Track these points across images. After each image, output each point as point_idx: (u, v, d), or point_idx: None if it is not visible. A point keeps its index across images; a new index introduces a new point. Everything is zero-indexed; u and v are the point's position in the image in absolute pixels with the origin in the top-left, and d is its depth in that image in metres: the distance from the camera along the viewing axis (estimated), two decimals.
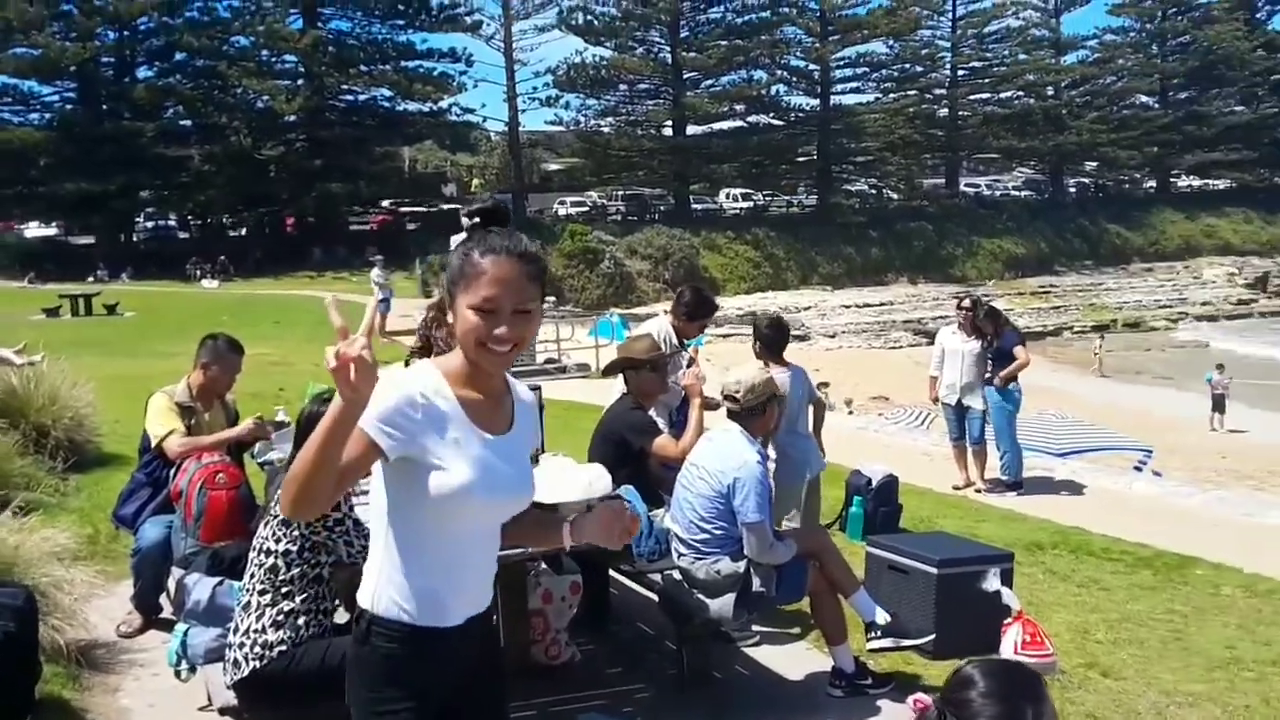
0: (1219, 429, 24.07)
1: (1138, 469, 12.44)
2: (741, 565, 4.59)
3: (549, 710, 4.47)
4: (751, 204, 52.62)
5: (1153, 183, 59.00)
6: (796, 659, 5.19)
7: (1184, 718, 4.61)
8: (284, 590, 3.53)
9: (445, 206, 47.69)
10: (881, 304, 42.93)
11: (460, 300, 2.32)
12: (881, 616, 4.87)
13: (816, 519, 6.54)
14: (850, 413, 20.38)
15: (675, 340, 6.22)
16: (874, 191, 54.71)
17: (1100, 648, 5.48)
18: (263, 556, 3.57)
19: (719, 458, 4.70)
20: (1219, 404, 24.54)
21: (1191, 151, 56.52)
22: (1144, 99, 58.48)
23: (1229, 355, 31.65)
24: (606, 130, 51.91)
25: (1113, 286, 48.31)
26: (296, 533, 3.55)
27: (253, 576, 3.59)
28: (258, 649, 3.48)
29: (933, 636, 4.99)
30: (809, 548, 4.86)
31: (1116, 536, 7.83)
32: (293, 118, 47.16)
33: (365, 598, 2.43)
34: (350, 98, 49.58)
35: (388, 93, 49.26)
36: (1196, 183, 59.72)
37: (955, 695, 2.34)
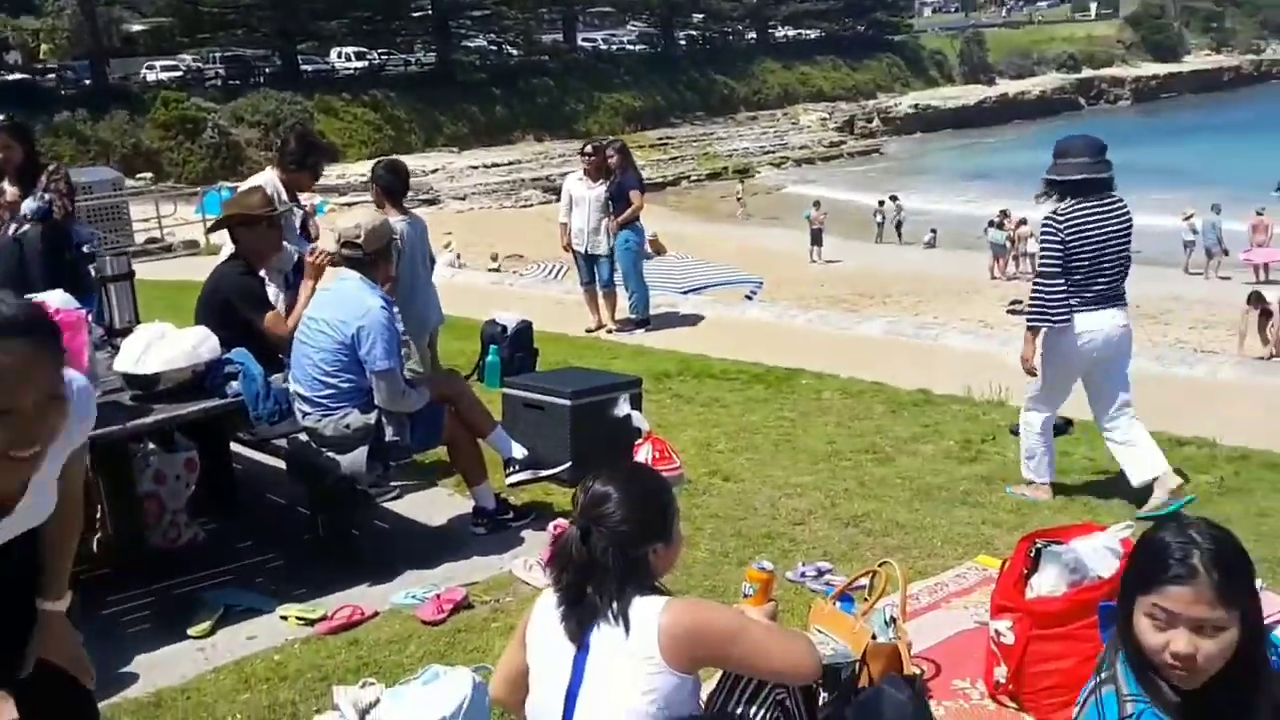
0: (818, 260, 26.48)
1: (749, 298, 13.43)
2: (372, 416, 4.42)
3: (171, 594, 4.16)
4: (366, 63, 50.02)
5: (753, 34, 62.30)
6: (438, 505, 5.16)
7: (794, 505, 5.07)
8: None
9: (10, 77, 41.66)
10: (510, 163, 42.82)
11: None
12: (519, 451, 4.91)
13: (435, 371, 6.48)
14: (497, 268, 20.43)
15: (285, 195, 5.77)
16: (494, 48, 53.72)
17: (721, 456, 5.89)
18: None
19: (339, 307, 4.46)
20: (816, 238, 26.91)
21: (785, 2, 60.10)
22: None
23: (824, 197, 34.59)
24: None
25: (724, 135, 51.02)
26: None
27: None
28: None
29: (569, 464, 5.11)
30: (442, 392, 4.78)
31: (734, 359, 8.41)
32: None
33: None
34: None
35: None
36: (791, 33, 63.72)
37: (593, 511, 2.37)
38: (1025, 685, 3.21)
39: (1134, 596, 2.05)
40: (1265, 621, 3.36)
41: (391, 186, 6.37)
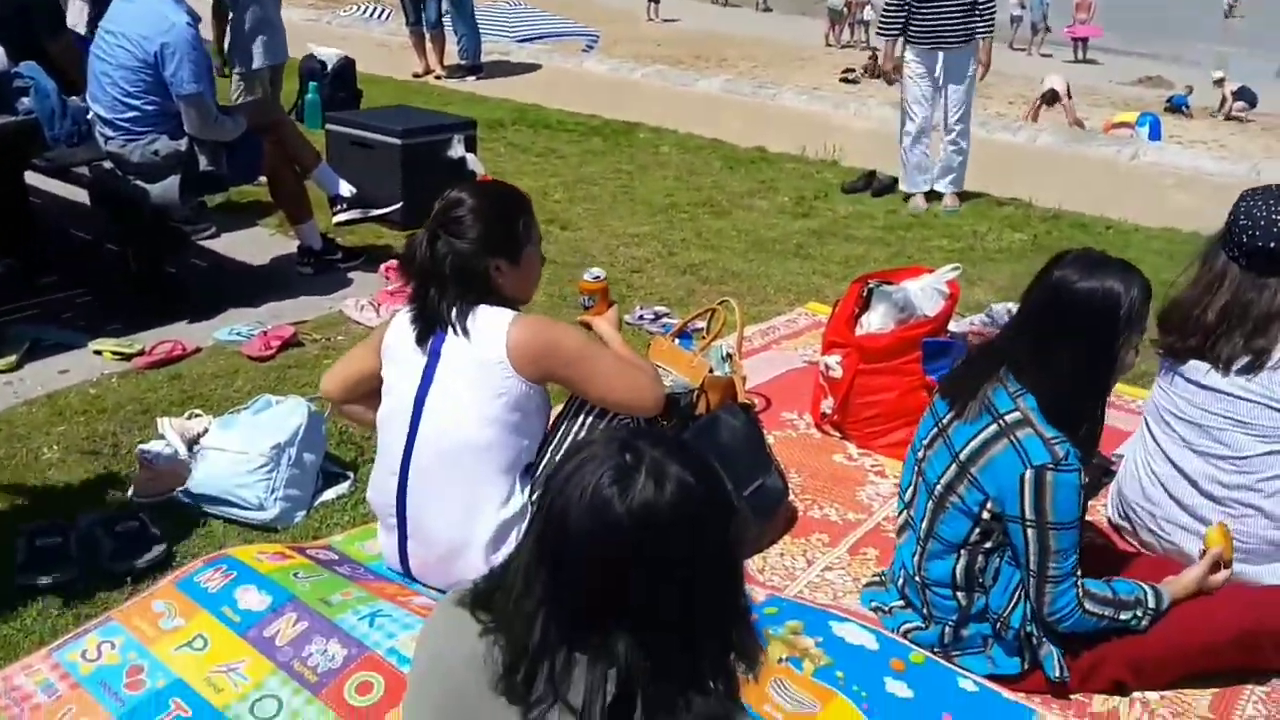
0: (655, 19, 25.70)
1: (586, 51, 12.95)
2: (183, 143, 4.07)
3: None
4: None
5: None
6: (261, 245, 4.91)
7: (631, 254, 5.06)
8: None
9: None
10: None
11: None
12: (346, 189, 4.67)
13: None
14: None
15: None
16: None
17: (559, 205, 5.78)
18: None
19: (140, 22, 4.00)
20: None
21: None
22: None
23: None
24: None
25: None
26: None
27: None
28: None
29: (399, 205, 4.91)
30: (261, 121, 4.44)
31: (571, 111, 8.16)
32: None
33: None
34: None
35: None
36: None
37: (443, 216, 2.28)
38: (850, 415, 3.37)
39: (1121, 335, 2.12)
40: None
41: None
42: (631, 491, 1.18)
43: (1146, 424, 2.64)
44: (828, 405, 3.45)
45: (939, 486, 2.28)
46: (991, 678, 2.27)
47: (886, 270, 3.74)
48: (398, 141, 5.08)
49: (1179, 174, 6.96)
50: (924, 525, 2.32)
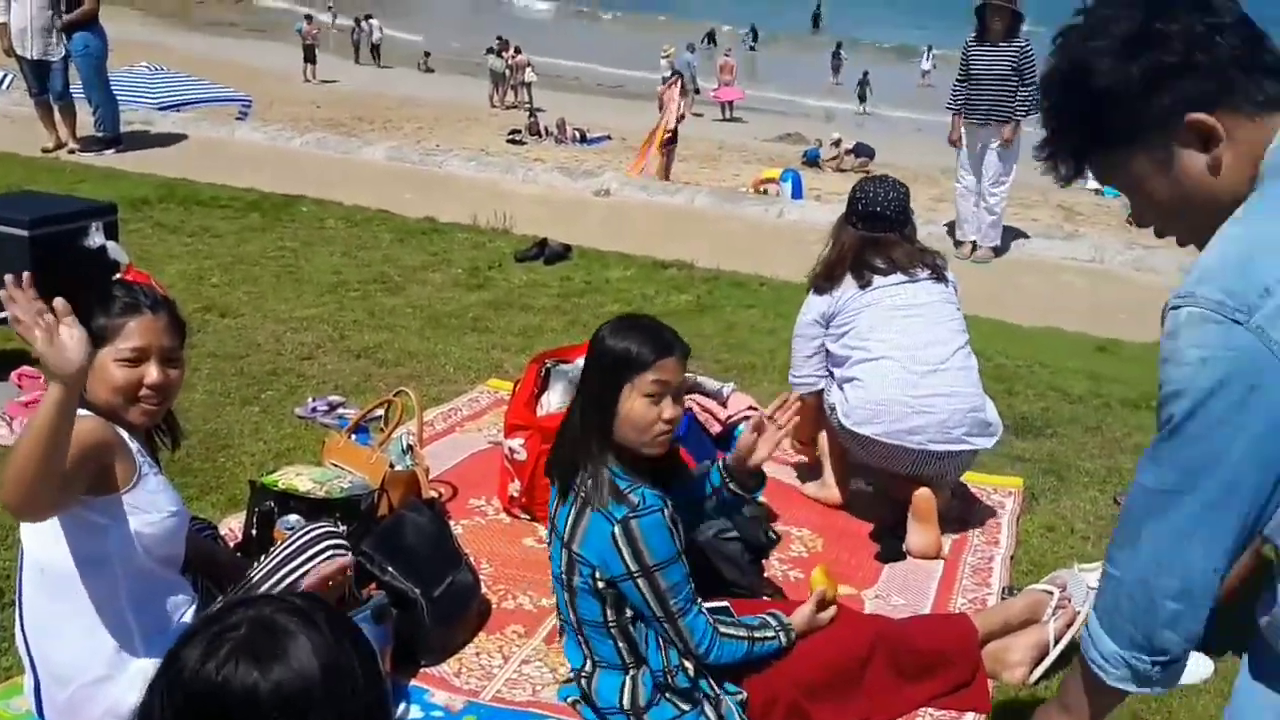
0: (312, 79, 25.08)
1: (239, 118, 12.40)
2: None
3: None
4: None
5: None
6: None
7: (301, 339, 4.84)
8: None
9: None
10: None
11: None
12: None
13: None
14: None
15: None
16: None
17: (216, 291, 5.46)
18: None
19: None
20: (310, 54, 25.43)
21: None
22: None
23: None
24: None
25: None
26: None
27: None
28: None
29: None
30: None
31: (224, 184, 7.76)
32: None
33: None
34: None
35: None
36: None
37: None
38: (538, 497, 3.37)
39: (621, 385, 2.27)
40: (733, 419, 3.82)
41: None
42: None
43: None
44: (514, 488, 3.45)
45: (562, 575, 2.39)
46: None
47: (563, 348, 3.80)
48: (25, 233, 4.59)
49: (818, 230, 7.59)
50: (571, 616, 2.42)
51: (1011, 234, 7.69)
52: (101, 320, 2.13)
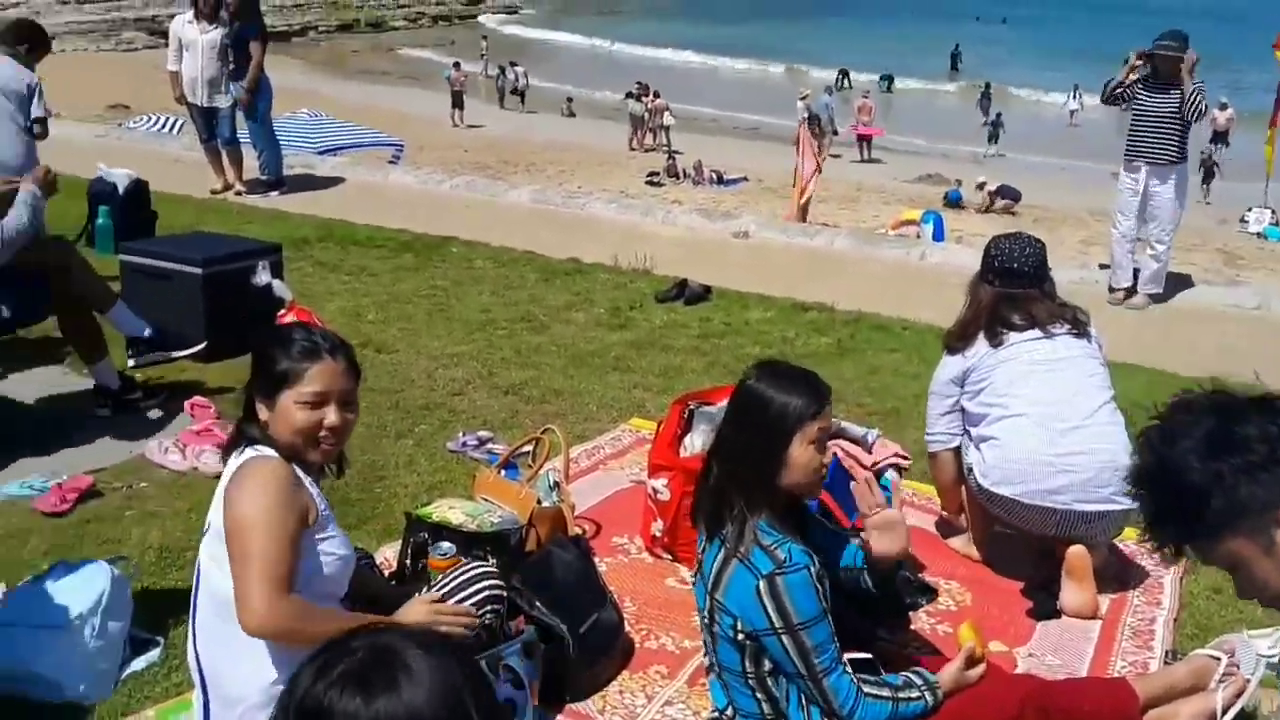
0: (460, 124, 25.95)
1: (392, 162, 12.92)
2: None
3: None
4: None
5: None
6: (53, 385, 4.60)
7: (451, 375, 5.00)
8: None
9: None
10: (108, 1, 38.02)
11: None
12: (143, 330, 4.44)
13: None
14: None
15: None
16: None
17: (373, 327, 5.68)
18: None
19: None
20: (458, 100, 26.34)
21: None
22: None
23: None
24: None
25: None
26: None
27: None
28: None
29: (203, 345, 4.71)
30: (46, 260, 4.20)
31: (379, 225, 8.08)
32: None
33: None
34: None
35: None
36: None
37: None
38: (680, 538, 3.39)
39: (792, 434, 2.26)
40: (879, 464, 3.77)
41: None
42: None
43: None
44: (658, 528, 3.47)
45: (705, 615, 2.39)
46: None
47: (704, 390, 3.83)
48: (198, 271, 4.90)
49: (962, 274, 7.45)
50: (713, 659, 2.42)
51: (1170, 279, 7.39)
52: (285, 364, 2.23)
